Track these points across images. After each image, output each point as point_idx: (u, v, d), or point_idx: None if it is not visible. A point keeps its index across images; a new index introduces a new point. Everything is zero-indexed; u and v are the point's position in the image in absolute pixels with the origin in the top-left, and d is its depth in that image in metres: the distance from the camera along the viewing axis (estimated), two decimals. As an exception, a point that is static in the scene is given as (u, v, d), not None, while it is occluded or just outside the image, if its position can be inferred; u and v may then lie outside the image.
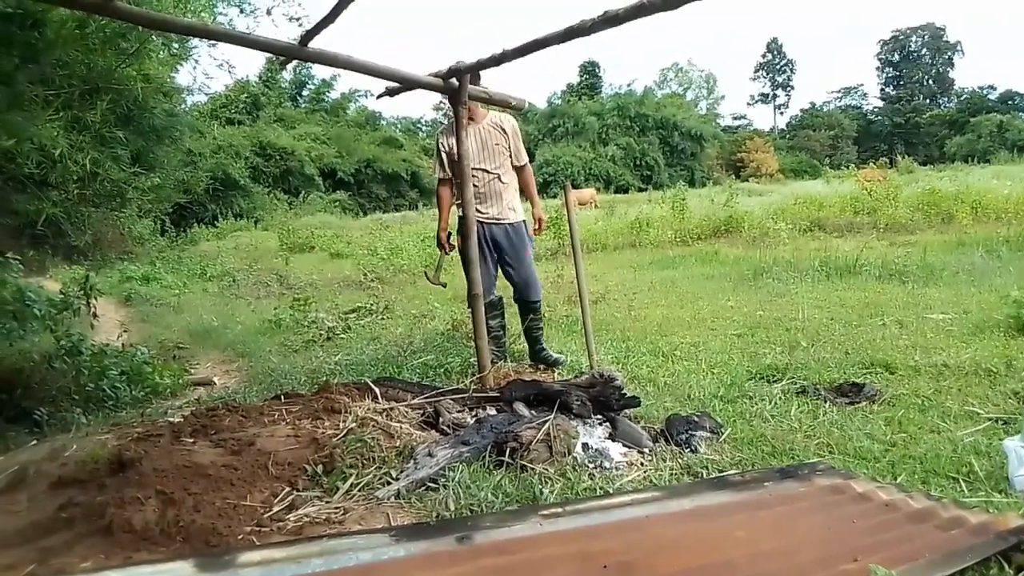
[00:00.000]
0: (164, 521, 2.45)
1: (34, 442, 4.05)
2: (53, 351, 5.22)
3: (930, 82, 66.86)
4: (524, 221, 4.97)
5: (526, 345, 5.12)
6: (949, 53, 66.68)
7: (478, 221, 4.66)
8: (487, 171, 4.83)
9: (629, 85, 53.46)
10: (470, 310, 4.44)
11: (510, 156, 4.92)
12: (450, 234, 4.99)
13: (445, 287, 5.48)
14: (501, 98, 4.74)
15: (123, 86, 5.16)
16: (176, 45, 6.24)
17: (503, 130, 4.88)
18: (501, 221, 4.86)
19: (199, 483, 2.73)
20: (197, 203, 23.12)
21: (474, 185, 4.64)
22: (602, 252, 13.23)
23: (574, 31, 3.29)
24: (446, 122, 5.06)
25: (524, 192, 5.13)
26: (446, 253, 5.06)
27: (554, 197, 29.04)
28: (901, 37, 68.15)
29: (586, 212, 21.69)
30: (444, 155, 4.87)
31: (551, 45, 3.49)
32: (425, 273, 5.35)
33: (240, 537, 2.46)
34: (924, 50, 67.21)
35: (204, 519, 2.49)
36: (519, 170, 5.03)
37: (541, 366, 4.95)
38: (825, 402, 3.81)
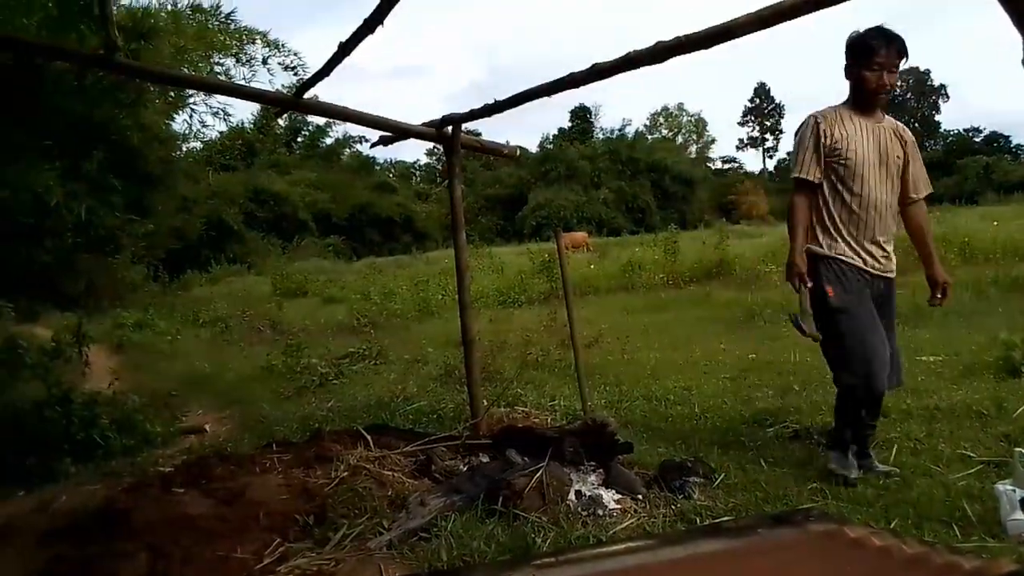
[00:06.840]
0: (153, 575, 2.42)
1: (22, 493, 4.02)
2: (43, 400, 5.18)
3: (916, 125, 67.85)
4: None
5: (521, 392, 5.07)
6: (934, 96, 67.81)
7: (860, 269, 3.32)
8: (886, 192, 3.33)
9: (620, 129, 53.92)
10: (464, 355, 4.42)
11: (907, 181, 3.40)
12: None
13: (819, 340, 3.47)
14: (493, 146, 4.81)
15: (120, 135, 5.22)
16: (172, 94, 6.34)
17: (904, 143, 3.37)
18: (887, 273, 3.41)
19: (189, 535, 2.71)
20: (191, 248, 23.16)
21: (859, 208, 3.30)
22: (595, 295, 13.24)
23: (564, 83, 3.38)
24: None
25: (914, 238, 3.52)
26: (806, 287, 3.44)
27: (547, 240, 29.16)
28: (886, 81, 69.31)
29: (579, 255, 21.76)
30: (823, 146, 3.30)
31: (541, 96, 3.57)
32: (792, 318, 3.51)
33: (230, 590, 2.44)
34: (909, 93, 68.29)
35: (194, 572, 2.47)
36: (913, 205, 3.45)
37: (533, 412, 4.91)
38: (818, 446, 3.81)
